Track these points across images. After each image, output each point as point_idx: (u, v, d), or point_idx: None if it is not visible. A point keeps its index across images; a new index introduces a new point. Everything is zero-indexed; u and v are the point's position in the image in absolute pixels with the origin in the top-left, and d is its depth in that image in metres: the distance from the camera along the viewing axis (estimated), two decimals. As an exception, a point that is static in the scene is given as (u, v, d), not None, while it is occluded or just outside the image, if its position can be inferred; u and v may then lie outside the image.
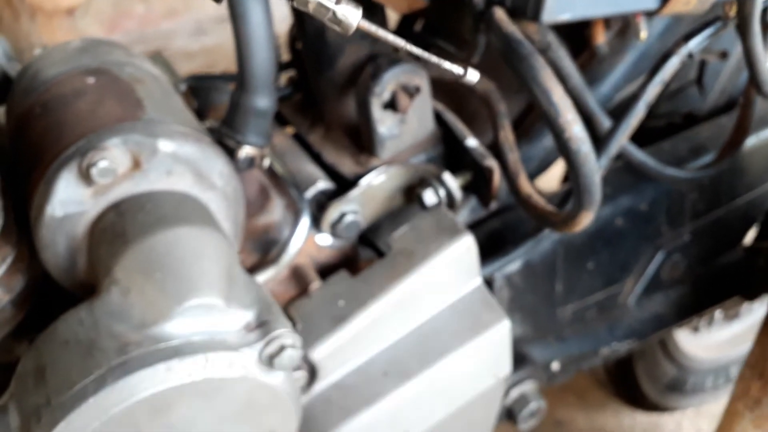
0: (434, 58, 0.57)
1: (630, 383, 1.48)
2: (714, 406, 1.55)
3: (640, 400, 1.52)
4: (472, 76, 0.58)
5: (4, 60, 0.79)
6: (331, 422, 0.72)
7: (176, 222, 0.58)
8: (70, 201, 0.59)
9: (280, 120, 0.91)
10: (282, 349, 0.56)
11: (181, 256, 0.56)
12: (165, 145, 0.60)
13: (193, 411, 0.55)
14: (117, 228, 0.58)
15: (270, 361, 0.56)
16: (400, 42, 0.56)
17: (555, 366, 1.00)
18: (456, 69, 0.58)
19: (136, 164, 0.60)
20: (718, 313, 1.57)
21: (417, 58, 0.58)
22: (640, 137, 0.93)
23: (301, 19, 0.81)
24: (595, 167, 0.69)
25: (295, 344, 0.56)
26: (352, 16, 0.54)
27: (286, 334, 0.56)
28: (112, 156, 0.58)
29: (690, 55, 0.79)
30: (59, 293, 0.65)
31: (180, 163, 0.62)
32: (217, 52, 2.82)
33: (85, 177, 0.58)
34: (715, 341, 1.57)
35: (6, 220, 0.60)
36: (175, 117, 0.65)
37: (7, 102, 0.75)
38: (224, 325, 0.57)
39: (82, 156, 0.58)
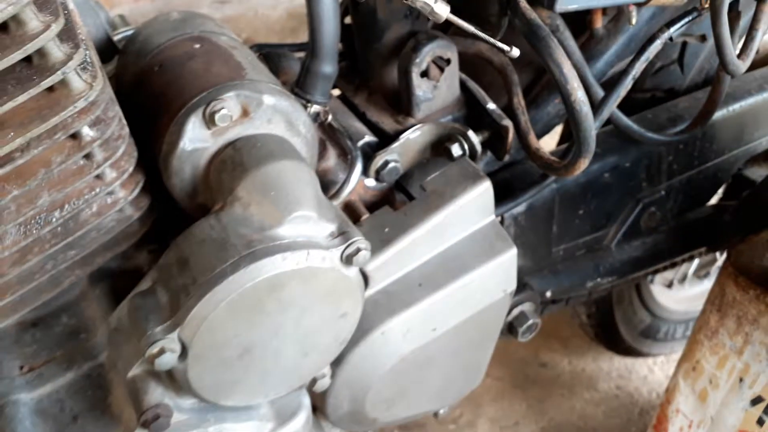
0: (489, 39, 0.69)
1: (609, 328, 1.53)
2: (682, 355, 1.59)
3: (617, 344, 1.57)
4: (515, 52, 0.69)
5: (107, 26, 0.87)
6: (379, 319, 0.79)
7: (281, 156, 0.67)
8: (196, 139, 0.68)
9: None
10: (358, 250, 0.66)
11: (287, 180, 0.65)
12: (268, 99, 0.69)
13: (296, 291, 0.65)
14: (236, 159, 0.67)
15: (349, 259, 0.66)
16: (469, 27, 0.70)
17: (549, 294, 1.05)
18: (503, 47, 0.70)
19: (245, 113, 0.69)
20: (690, 271, 1.62)
21: (459, 33, 0.67)
22: (628, 107, 0.99)
23: (355, 1, 0.85)
24: (592, 123, 0.78)
25: (367, 247, 0.67)
26: (443, 10, 0.68)
27: (361, 240, 0.67)
28: (229, 106, 0.67)
29: (670, 39, 0.86)
30: (169, 217, 0.74)
31: (277, 113, 0.70)
32: (238, 20, 2.81)
33: (209, 121, 0.67)
34: (686, 296, 1.64)
35: (138, 154, 0.70)
36: (267, 78, 0.74)
37: (120, 61, 0.83)
38: (317, 232, 0.66)
39: (206, 105, 0.67)
